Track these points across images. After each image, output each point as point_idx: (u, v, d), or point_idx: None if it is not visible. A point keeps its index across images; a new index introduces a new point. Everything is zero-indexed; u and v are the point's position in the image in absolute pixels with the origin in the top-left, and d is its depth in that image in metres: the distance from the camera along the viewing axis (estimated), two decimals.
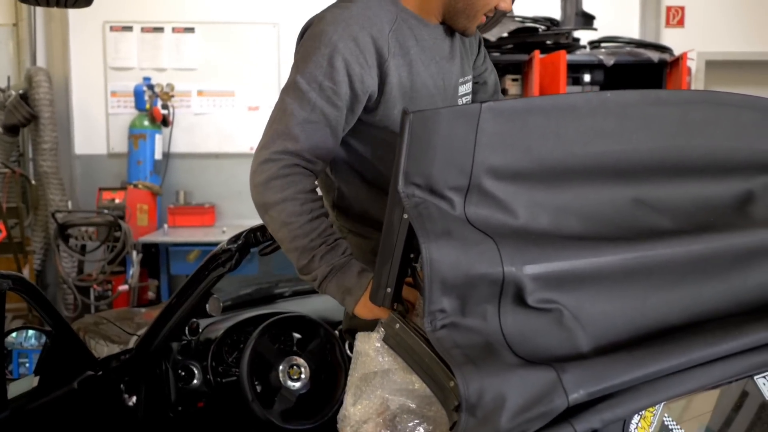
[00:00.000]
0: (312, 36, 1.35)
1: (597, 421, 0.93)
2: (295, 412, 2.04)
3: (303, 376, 2.08)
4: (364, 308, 1.29)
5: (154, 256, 4.85)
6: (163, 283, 4.87)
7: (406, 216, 1.08)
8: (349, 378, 1.23)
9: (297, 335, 2.18)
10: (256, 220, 1.83)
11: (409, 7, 1.45)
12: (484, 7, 1.45)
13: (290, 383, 2.06)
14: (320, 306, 2.50)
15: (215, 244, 4.84)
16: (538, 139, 1.08)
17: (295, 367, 2.07)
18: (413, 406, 1.14)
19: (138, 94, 5.08)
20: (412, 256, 1.12)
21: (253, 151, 1.35)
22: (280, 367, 2.06)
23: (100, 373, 2.06)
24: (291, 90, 1.33)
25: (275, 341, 2.12)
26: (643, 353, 1.00)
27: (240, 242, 1.78)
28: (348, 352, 2.23)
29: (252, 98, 5.26)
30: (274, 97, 1.39)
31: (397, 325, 1.11)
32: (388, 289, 1.13)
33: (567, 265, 1.06)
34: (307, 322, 2.16)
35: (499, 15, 1.62)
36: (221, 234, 4.75)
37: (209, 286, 1.90)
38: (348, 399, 1.20)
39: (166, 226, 5.04)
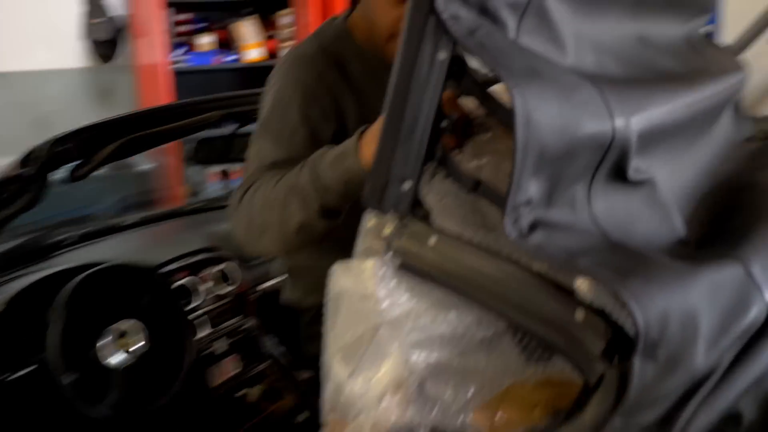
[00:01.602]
0: None
1: None
2: (134, 393, 1.49)
3: (137, 346, 1.51)
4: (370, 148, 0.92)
5: None
6: None
7: (444, 55, 0.64)
8: (330, 338, 0.77)
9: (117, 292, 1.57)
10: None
11: None
12: None
13: (119, 358, 1.48)
14: (124, 250, 1.90)
15: None
16: None
17: (125, 335, 1.49)
18: (454, 358, 0.74)
19: None
20: (444, 124, 0.69)
21: None
22: (104, 341, 1.47)
23: None
24: None
25: (90, 307, 1.49)
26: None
27: (37, 164, 1.13)
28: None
29: None
30: None
31: (433, 239, 0.69)
32: (406, 184, 0.69)
33: (663, 114, 0.75)
34: (132, 272, 1.56)
35: None
36: None
37: None
38: (339, 370, 0.75)
39: None
